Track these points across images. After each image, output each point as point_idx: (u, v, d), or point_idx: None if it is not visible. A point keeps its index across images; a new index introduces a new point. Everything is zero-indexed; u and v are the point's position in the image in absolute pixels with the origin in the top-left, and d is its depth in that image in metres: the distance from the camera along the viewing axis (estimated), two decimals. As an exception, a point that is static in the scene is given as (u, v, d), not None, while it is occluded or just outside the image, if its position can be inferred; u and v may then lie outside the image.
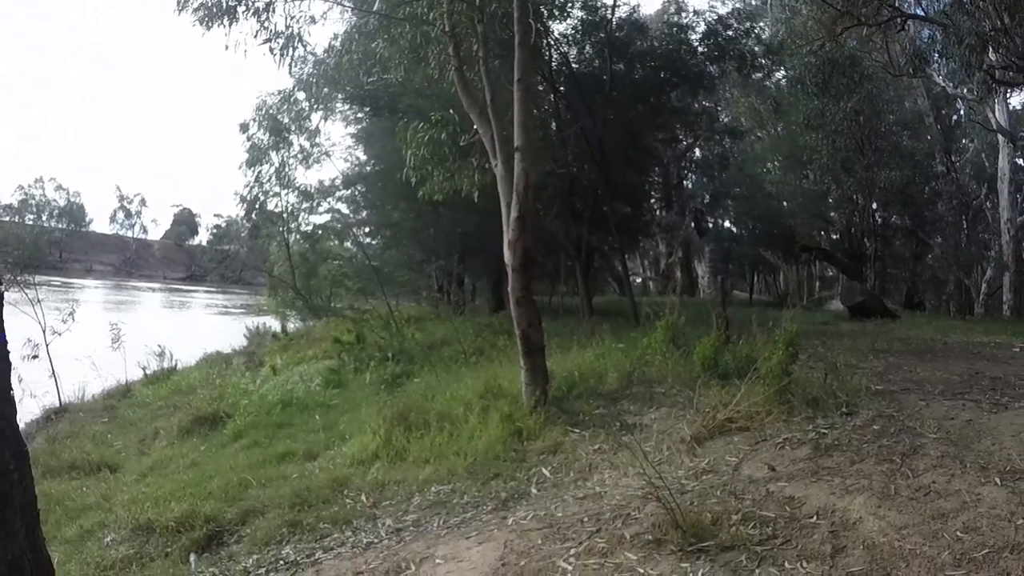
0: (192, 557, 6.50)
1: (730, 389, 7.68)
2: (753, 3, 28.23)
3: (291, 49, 10.50)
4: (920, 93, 30.58)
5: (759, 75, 26.60)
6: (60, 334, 18.22)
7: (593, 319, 17.02)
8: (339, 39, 11.29)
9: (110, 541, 7.03)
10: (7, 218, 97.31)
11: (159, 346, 20.44)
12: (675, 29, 20.39)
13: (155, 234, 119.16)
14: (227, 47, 10.64)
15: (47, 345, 17.74)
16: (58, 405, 16.89)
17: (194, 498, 7.56)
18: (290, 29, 10.58)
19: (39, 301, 18.17)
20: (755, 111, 35.15)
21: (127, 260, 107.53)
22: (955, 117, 32.62)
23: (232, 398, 13.49)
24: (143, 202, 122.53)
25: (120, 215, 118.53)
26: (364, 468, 7.89)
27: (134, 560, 6.55)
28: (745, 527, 4.53)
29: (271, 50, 10.56)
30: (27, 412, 15.78)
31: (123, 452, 12.35)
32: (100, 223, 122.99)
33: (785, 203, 32.66)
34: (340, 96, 20.49)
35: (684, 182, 36.29)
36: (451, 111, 10.43)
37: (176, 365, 20.48)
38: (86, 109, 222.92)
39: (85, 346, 18.85)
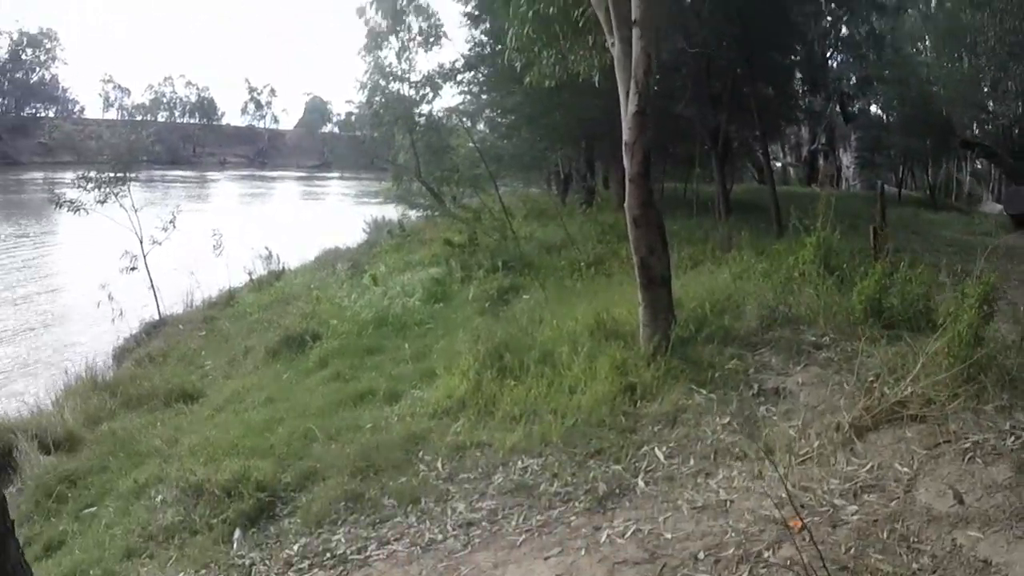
0: (236, 534, 5.62)
1: (900, 348, 5.95)
2: None
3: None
4: None
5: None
6: (160, 243, 17.67)
7: (730, 221, 15.13)
8: None
9: (160, 503, 6.33)
10: (139, 117, 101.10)
11: (266, 248, 19.71)
12: None
13: (287, 124, 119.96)
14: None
15: (144, 255, 17.24)
16: (157, 318, 16.42)
17: (252, 454, 6.68)
18: None
19: (136, 210, 17.53)
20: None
21: (260, 151, 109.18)
22: None
23: (325, 314, 12.51)
24: (273, 92, 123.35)
25: (251, 107, 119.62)
26: (447, 421, 6.70)
27: (178, 530, 5.80)
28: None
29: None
30: (122, 329, 15.44)
31: (209, 375, 11.91)
32: (232, 116, 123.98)
33: (940, 89, 29.32)
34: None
35: (829, 62, 32.95)
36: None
37: (283, 268, 19.76)
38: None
39: (202, 249, 18.40)
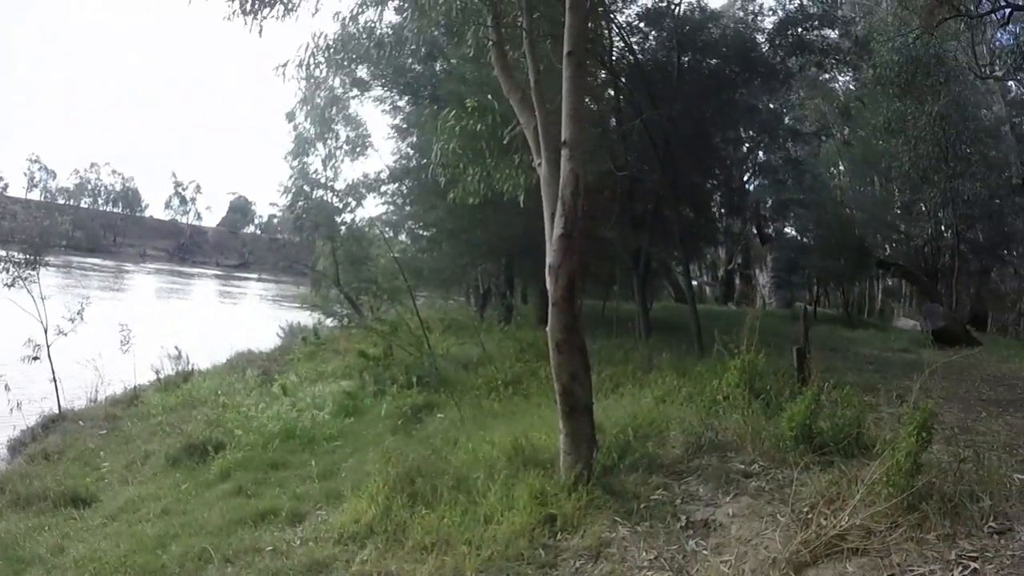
0: None
1: (834, 475, 5.74)
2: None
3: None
4: (997, 99, 28.49)
5: (843, 71, 24.40)
6: (66, 334, 16.79)
7: (651, 342, 15.07)
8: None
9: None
10: (62, 201, 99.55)
11: (176, 348, 18.98)
12: (751, 17, 18.38)
13: (210, 221, 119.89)
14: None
15: (48, 345, 16.36)
16: (57, 412, 15.53)
17: (142, 574, 6.22)
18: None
19: (44, 297, 16.71)
20: (821, 113, 32.91)
21: (181, 246, 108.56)
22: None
23: (231, 422, 11.89)
24: (198, 188, 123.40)
25: (175, 201, 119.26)
26: (353, 548, 6.20)
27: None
28: None
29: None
30: (18, 421, 14.63)
31: (106, 478, 11.11)
32: (156, 209, 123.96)
33: (855, 212, 30.59)
34: (377, 80, 19.08)
35: (747, 186, 34.09)
36: (490, 97, 8.57)
37: (193, 369, 19.01)
38: (144, 96, 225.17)
39: (110, 343, 17.58)
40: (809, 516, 5.15)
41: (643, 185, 16.94)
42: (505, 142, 8.61)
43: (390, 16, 10.23)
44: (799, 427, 6.64)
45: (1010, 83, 28.56)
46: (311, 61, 7.96)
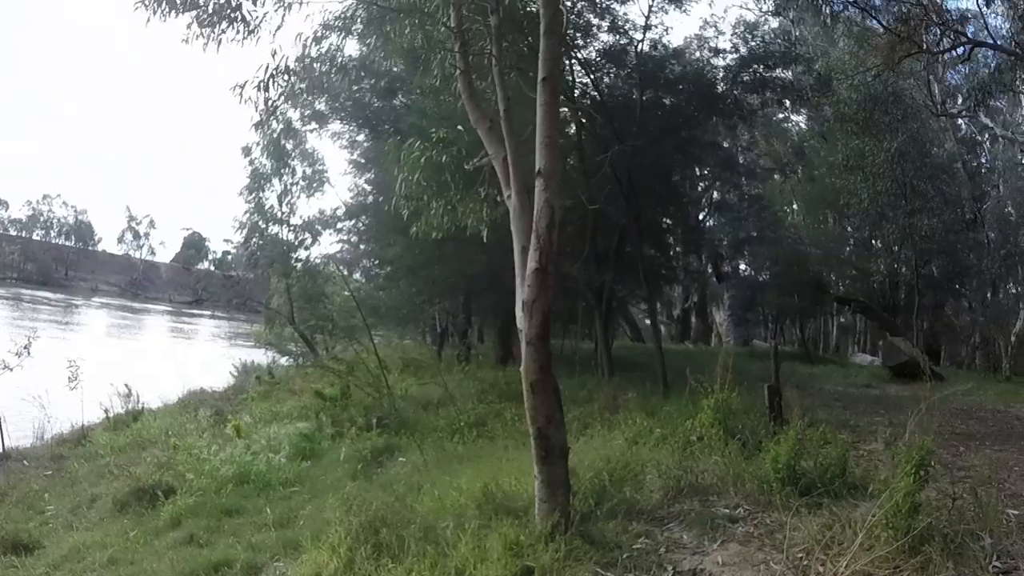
0: None
1: (825, 519, 5.48)
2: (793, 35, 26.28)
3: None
4: (949, 137, 29.31)
5: (801, 110, 24.68)
6: (11, 369, 16.08)
7: (614, 380, 14.80)
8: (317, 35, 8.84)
9: None
10: (14, 232, 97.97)
11: (126, 385, 18.28)
12: (711, 55, 18.44)
13: (164, 256, 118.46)
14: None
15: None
16: (1, 451, 14.89)
17: None
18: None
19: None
20: (775, 152, 33.26)
21: (134, 281, 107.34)
22: (982, 162, 32.06)
23: (183, 465, 11.30)
24: (152, 224, 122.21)
25: (129, 236, 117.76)
26: (314, 607, 5.72)
27: None
28: None
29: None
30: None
31: (50, 523, 10.43)
32: (109, 243, 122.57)
33: (811, 249, 30.95)
34: (336, 114, 18.83)
35: (704, 224, 34.25)
36: (459, 128, 8.29)
37: (143, 408, 18.32)
38: (100, 128, 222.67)
39: (58, 379, 16.91)
40: (806, 563, 4.92)
41: (608, 221, 16.77)
42: (471, 173, 8.34)
43: (353, 46, 9.85)
44: (784, 468, 6.40)
45: (959, 121, 29.27)
46: (270, 83, 7.59)
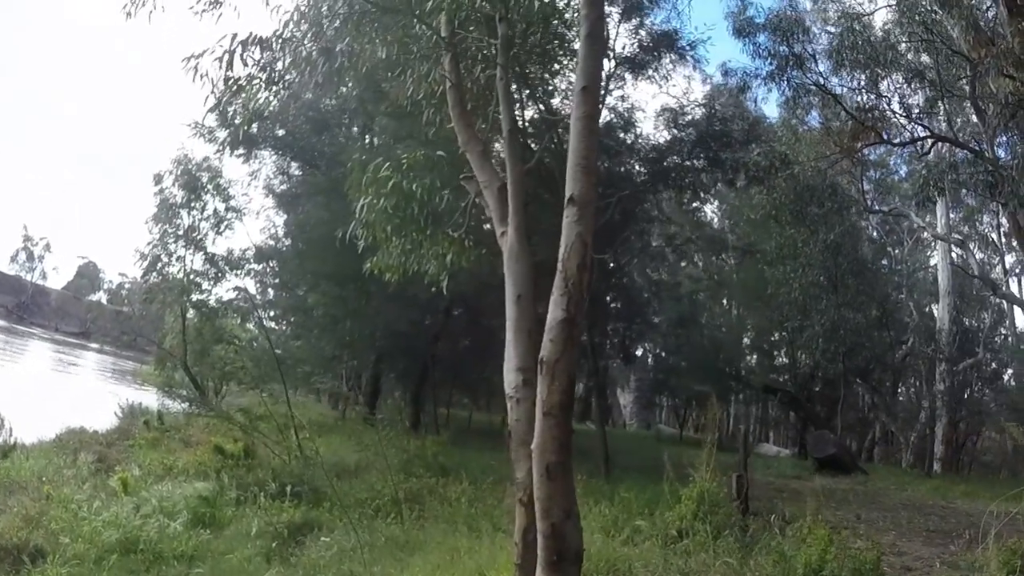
0: None
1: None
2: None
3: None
4: (867, 236, 30.37)
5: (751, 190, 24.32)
6: None
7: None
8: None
9: None
10: None
11: (-2, 417, 16.10)
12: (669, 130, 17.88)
13: (55, 282, 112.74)
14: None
15: None
16: None
17: None
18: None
19: None
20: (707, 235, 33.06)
21: (21, 304, 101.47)
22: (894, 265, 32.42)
23: (57, 522, 9.29)
24: (48, 247, 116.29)
25: (22, 256, 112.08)
26: None
27: None
28: None
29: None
30: None
31: None
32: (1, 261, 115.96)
33: (732, 336, 30.92)
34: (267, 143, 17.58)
35: (611, 305, 33.52)
36: (441, 153, 7.01)
37: (15, 443, 16.00)
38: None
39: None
40: None
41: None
42: (441, 207, 7.07)
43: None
44: (814, 573, 5.52)
45: (874, 221, 29.66)
46: (234, 56, 6.18)
